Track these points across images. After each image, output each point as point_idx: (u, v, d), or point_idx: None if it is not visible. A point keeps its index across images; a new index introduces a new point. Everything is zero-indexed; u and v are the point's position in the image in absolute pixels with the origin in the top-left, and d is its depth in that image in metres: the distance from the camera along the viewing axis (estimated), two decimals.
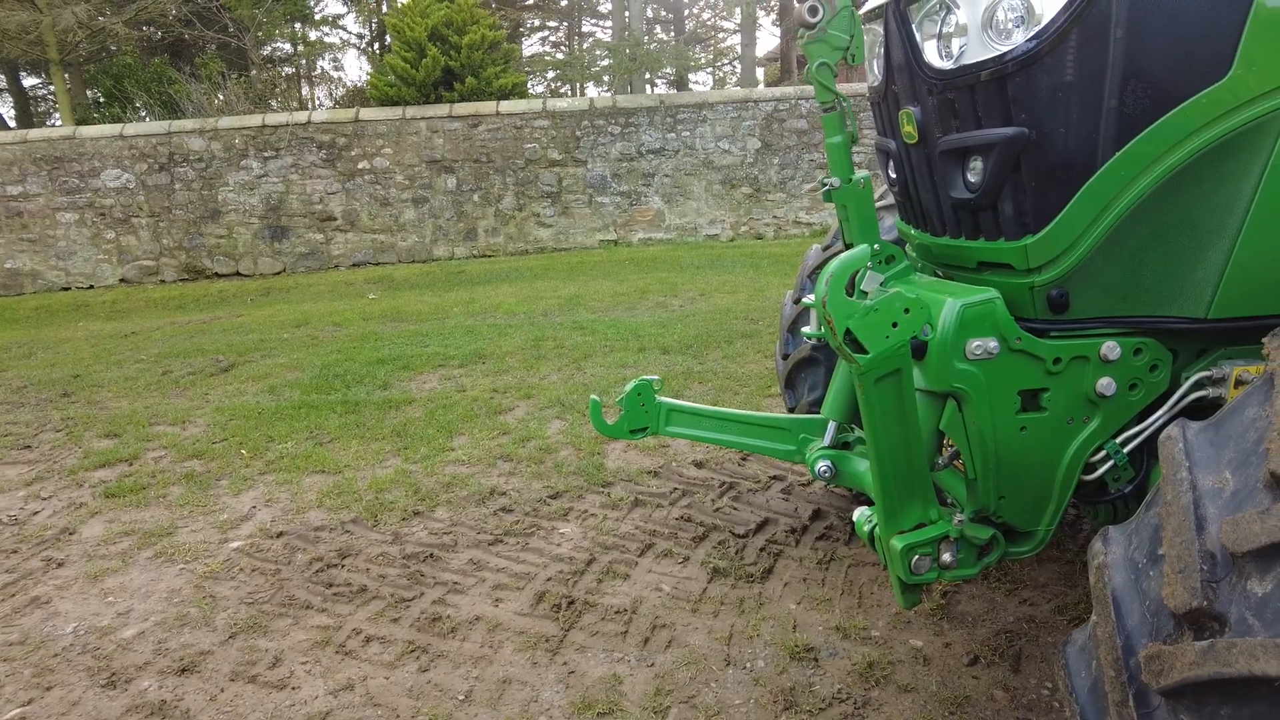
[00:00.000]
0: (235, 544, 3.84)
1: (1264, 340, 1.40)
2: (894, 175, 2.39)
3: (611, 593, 3.23)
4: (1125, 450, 2.02)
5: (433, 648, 2.96)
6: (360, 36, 29.62)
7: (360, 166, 13.53)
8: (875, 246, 2.23)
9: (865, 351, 1.73)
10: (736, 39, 30.40)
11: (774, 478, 4.22)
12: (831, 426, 2.66)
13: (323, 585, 3.41)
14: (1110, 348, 1.94)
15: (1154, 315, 1.93)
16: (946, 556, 2.02)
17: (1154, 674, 1.23)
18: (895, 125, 2.24)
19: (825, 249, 3.59)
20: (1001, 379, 1.95)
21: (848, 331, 1.72)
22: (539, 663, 2.83)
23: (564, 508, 4.00)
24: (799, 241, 13.27)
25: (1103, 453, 2.03)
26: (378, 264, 13.85)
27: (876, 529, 2.10)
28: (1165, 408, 1.99)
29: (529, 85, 19.56)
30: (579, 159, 12.90)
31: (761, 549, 3.54)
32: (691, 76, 28.45)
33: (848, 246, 2.31)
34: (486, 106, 13.10)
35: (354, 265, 13.83)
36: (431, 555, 3.59)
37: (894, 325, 1.73)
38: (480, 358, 6.99)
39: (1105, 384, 1.96)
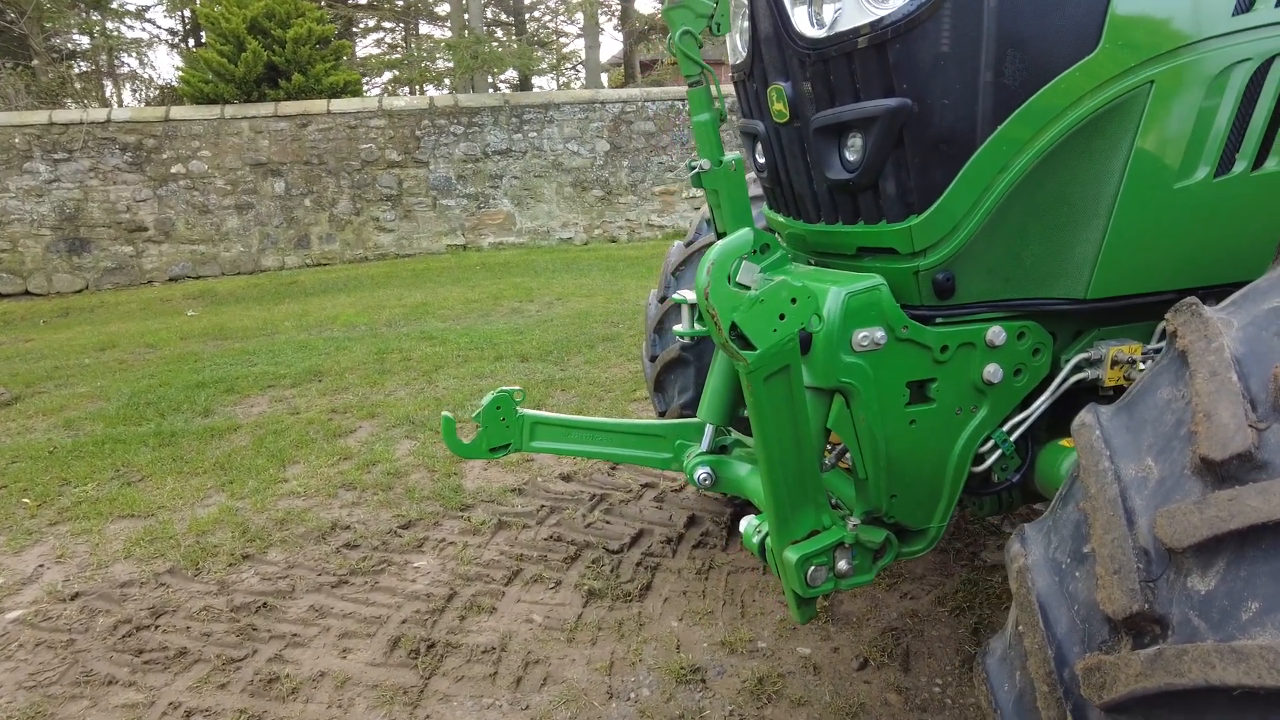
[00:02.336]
0: (13, 614, 3.21)
1: (1167, 316, 1.33)
2: (762, 160, 2.25)
3: (477, 630, 2.92)
4: (1012, 439, 1.97)
5: (269, 714, 2.54)
6: (172, 32, 27.18)
7: (174, 171, 12.28)
8: None
9: (752, 347, 1.56)
10: (579, 44, 30.38)
11: (646, 485, 4.04)
12: (708, 430, 2.49)
13: (131, 653, 2.89)
14: (996, 333, 1.87)
15: (1036, 297, 1.89)
16: (842, 564, 1.89)
17: (1095, 688, 1.11)
18: (763, 104, 2.10)
19: (688, 244, 3.45)
20: (890, 371, 1.84)
21: (733, 326, 1.53)
22: (397, 719, 2.49)
23: (418, 538, 3.63)
24: (653, 244, 13.29)
25: (990, 442, 1.97)
26: (198, 277, 12.62)
27: (768, 540, 1.94)
28: (1048, 392, 1.96)
29: (365, 90, 18.55)
30: (420, 160, 12.29)
31: (638, 564, 3.34)
32: (535, 81, 28.10)
33: (720, 235, 2.15)
34: (316, 105, 12.22)
35: (171, 280, 12.53)
36: (265, 605, 3.14)
37: (781, 317, 1.56)
38: (316, 375, 6.40)
39: (992, 371, 1.89)
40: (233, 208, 12.35)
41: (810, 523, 1.86)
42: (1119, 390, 2.00)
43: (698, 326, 2.41)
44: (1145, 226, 1.81)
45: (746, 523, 2.07)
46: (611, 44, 34.24)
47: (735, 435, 2.61)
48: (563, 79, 33.33)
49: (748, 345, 1.55)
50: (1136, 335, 2.01)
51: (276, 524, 3.82)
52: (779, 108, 2.00)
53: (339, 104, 12.30)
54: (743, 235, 1.56)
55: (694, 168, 2.10)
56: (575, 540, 3.54)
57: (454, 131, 12.34)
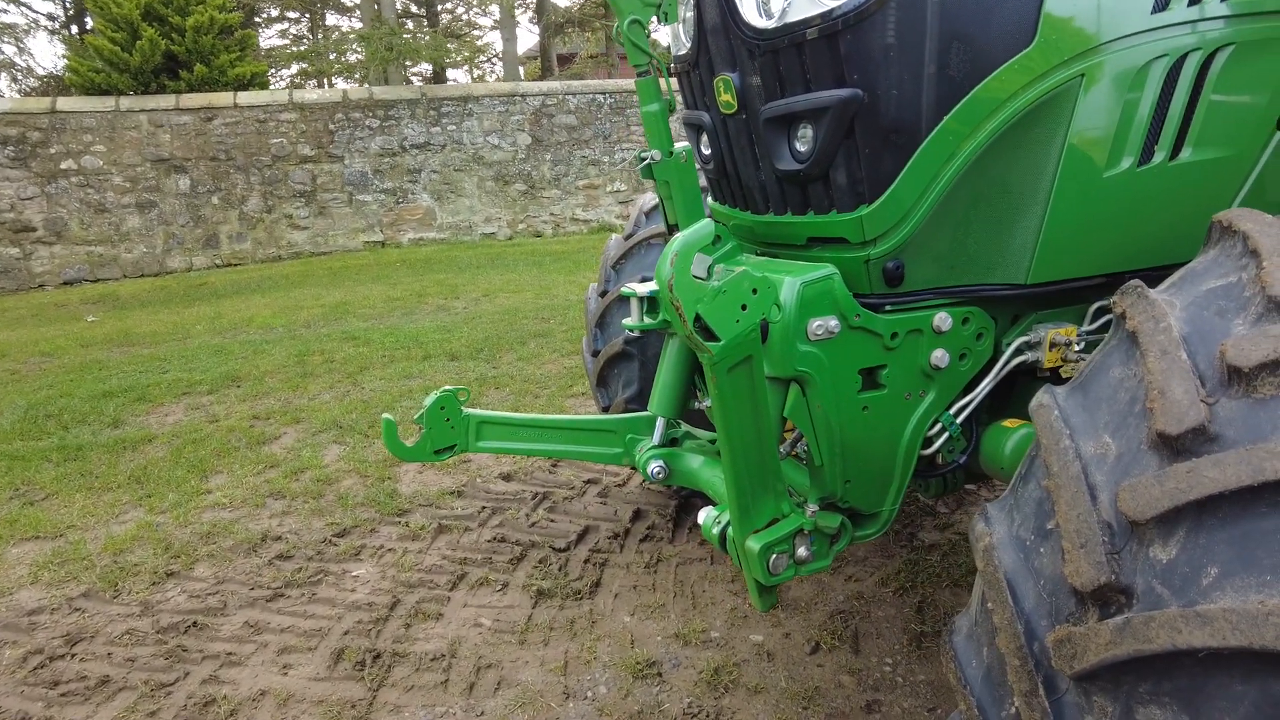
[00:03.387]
0: None
1: (1114, 299, 1.39)
2: (707, 151, 2.26)
3: (424, 637, 2.85)
4: (958, 421, 2.03)
5: None
6: (51, 17, 25.49)
7: (64, 166, 11.53)
8: None
9: (716, 338, 1.55)
10: (492, 36, 29.90)
11: (589, 482, 4.02)
12: (660, 424, 2.49)
13: (45, 686, 2.71)
14: (942, 319, 1.92)
15: (980, 284, 1.95)
16: (802, 551, 1.91)
17: (1065, 659, 1.16)
18: (709, 95, 2.10)
19: (627, 238, 3.43)
20: (843, 359, 1.87)
21: (697, 317, 1.53)
22: None
23: (354, 545, 3.52)
24: (579, 238, 13.22)
25: (938, 426, 2.03)
26: (97, 281, 11.90)
27: (729, 530, 1.95)
28: (991, 375, 2.02)
29: (270, 83, 17.78)
30: (334, 155, 11.89)
31: (586, 561, 3.31)
32: (450, 75, 27.53)
33: (671, 228, 2.14)
34: (222, 98, 11.66)
35: (65, 283, 11.78)
36: (195, 624, 2.98)
37: (743, 308, 1.57)
38: (234, 380, 6.13)
39: (939, 356, 1.94)
40: (133, 206, 11.68)
41: (770, 511, 1.88)
42: (1055, 371, 2.09)
43: (647, 320, 2.41)
44: (1079, 214, 1.89)
45: (706, 514, 2.07)
46: (527, 37, 33.85)
47: (685, 428, 2.61)
48: (477, 72, 32.75)
49: (711, 336, 1.55)
50: (1070, 318, 2.10)
51: (202, 538, 3.64)
52: (726, 99, 2.00)
53: (246, 96, 11.76)
54: (704, 226, 1.55)
55: (644, 158, 2.09)
56: (520, 540, 3.49)
57: (369, 125, 11.97)
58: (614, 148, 13.56)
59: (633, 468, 2.87)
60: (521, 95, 12.86)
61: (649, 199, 3.60)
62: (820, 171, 1.84)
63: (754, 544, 1.84)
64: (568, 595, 3.07)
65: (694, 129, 2.30)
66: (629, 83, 13.91)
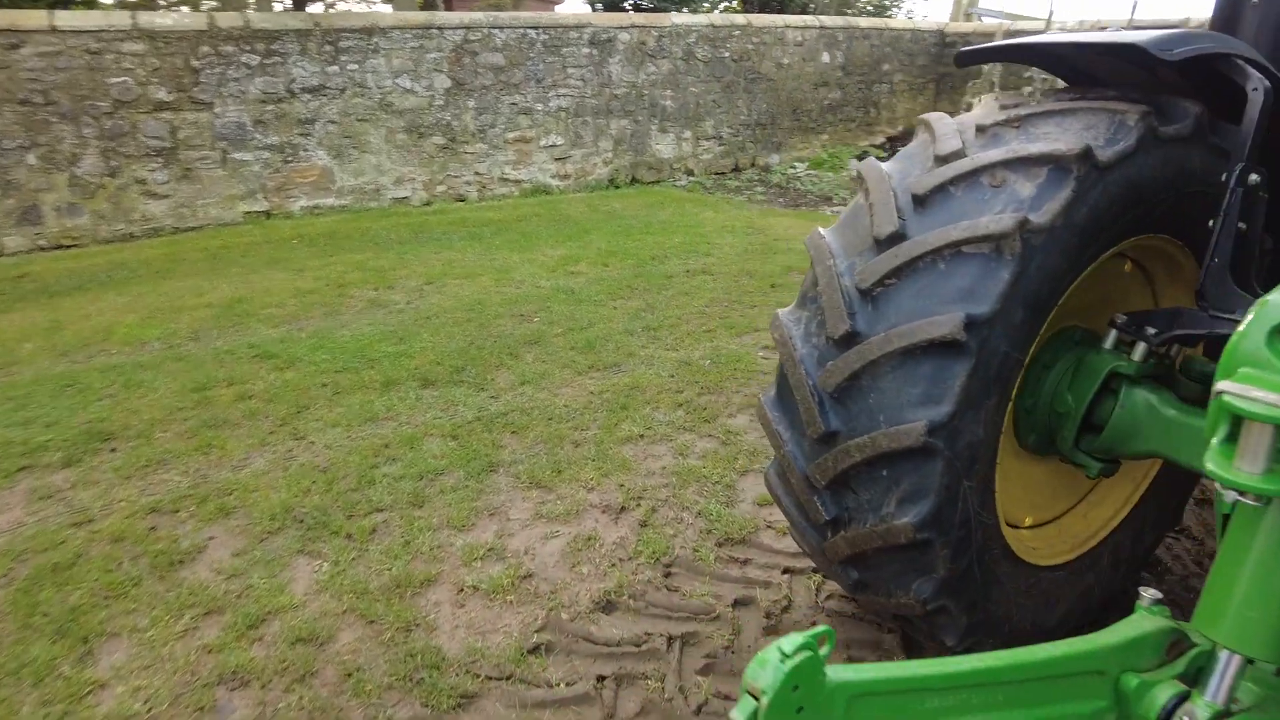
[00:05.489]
0: None
1: None
2: None
3: None
4: None
5: None
6: None
7: None
8: None
9: None
10: None
11: (739, 603, 2.67)
12: (1232, 664, 1.19)
13: None
14: None
15: None
16: None
17: None
18: None
19: (883, 240, 2.10)
20: None
21: None
22: None
23: None
24: (512, 202, 11.56)
25: None
26: None
27: None
28: None
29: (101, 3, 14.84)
30: (201, 100, 9.70)
31: None
32: (316, 6, 24.45)
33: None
34: (32, 17, 9.21)
35: None
36: None
37: None
38: (102, 438, 4.30)
39: None
40: None
41: None
42: None
43: None
44: None
45: None
46: None
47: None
48: (343, 6, 29.54)
49: None
50: None
51: None
52: None
53: (68, 17, 9.34)
54: None
55: None
56: None
57: (246, 62, 9.83)
58: (548, 93, 11.87)
59: None
60: (439, 28, 10.96)
61: (900, 174, 2.25)
62: None
63: None
64: None
65: None
66: (565, 16, 12.21)
